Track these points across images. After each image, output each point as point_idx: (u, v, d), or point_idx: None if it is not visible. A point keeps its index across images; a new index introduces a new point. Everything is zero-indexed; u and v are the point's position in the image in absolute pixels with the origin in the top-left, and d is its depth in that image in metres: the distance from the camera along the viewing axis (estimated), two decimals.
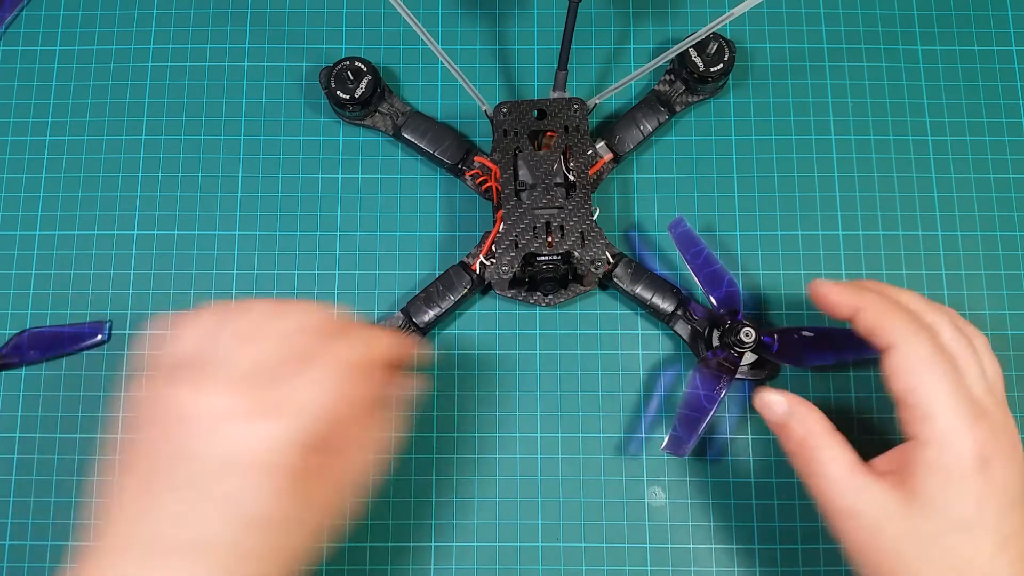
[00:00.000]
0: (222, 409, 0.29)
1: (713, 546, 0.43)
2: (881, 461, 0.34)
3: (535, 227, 0.42)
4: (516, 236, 0.42)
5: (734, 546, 0.43)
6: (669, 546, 0.43)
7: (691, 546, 0.43)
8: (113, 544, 0.30)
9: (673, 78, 0.47)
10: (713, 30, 0.42)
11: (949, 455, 0.32)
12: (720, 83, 0.47)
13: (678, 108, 0.47)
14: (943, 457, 0.32)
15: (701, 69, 0.46)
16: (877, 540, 0.33)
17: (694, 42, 0.43)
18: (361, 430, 0.32)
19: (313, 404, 0.30)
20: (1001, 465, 0.32)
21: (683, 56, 0.46)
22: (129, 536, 0.29)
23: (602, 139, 0.46)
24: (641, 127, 0.46)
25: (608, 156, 0.46)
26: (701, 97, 0.47)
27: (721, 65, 0.46)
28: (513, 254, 0.41)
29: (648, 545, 0.43)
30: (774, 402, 0.36)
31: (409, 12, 0.40)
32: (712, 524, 0.43)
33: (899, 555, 0.33)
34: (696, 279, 0.43)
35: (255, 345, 0.30)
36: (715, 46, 0.45)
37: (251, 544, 0.29)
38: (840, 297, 0.36)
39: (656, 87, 0.47)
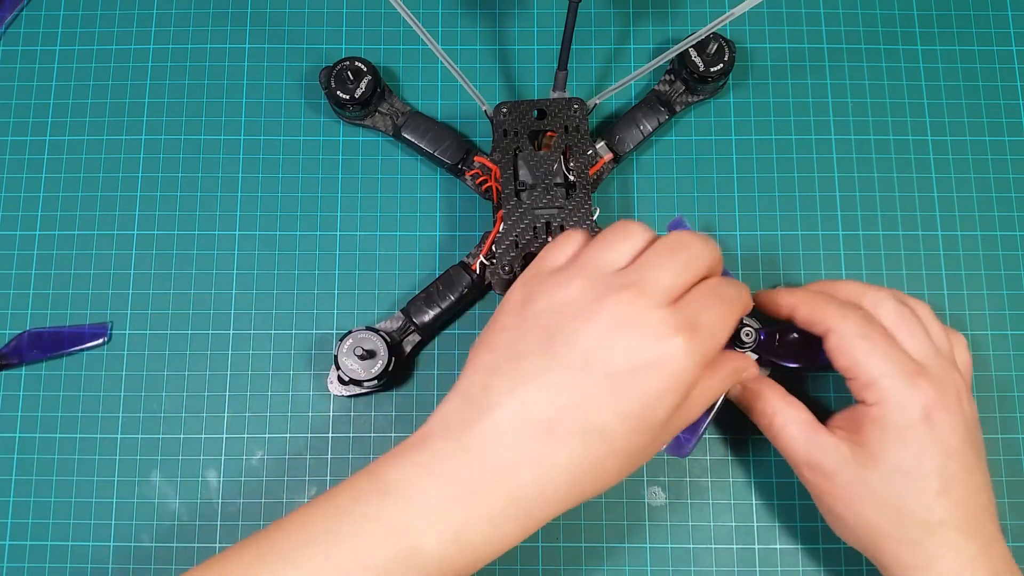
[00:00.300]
0: (654, 319, 0.32)
1: (713, 546, 0.43)
2: (837, 419, 0.39)
3: (535, 227, 0.42)
4: (516, 236, 0.42)
5: (734, 546, 0.43)
6: (669, 546, 0.43)
7: (691, 546, 0.43)
8: (492, 399, 0.32)
9: (673, 78, 0.47)
10: (713, 30, 0.42)
11: (892, 412, 0.36)
12: (720, 83, 0.47)
13: (678, 108, 0.47)
14: (887, 414, 0.36)
15: (701, 69, 0.46)
16: (831, 486, 0.38)
17: (694, 42, 0.43)
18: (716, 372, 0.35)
19: (717, 331, 0.33)
20: (943, 418, 0.36)
21: (683, 56, 0.46)
22: (511, 401, 0.32)
23: (602, 139, 0.46)
24: (641, 127, 0.46)
25: (608, 156, 0.46)
26: (701, 97, 0.47)
27: (721, 65, 0.46)
28: (513, 254, 0.41)
29: (648, 545, 0.43)
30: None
31: (409, 12, 0.40)
32: (712, 524, 0.43)
33: (850, 498, 0.37)
34: None
35: (674, 267, 0.33)
36: (715, 46, 0.45)
37: (628, 443, 0.32)
38: (778, 299, 0.40)
39: (656, 87, 0.47)
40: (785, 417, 0.39)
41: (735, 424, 0.44)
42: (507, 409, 0.32)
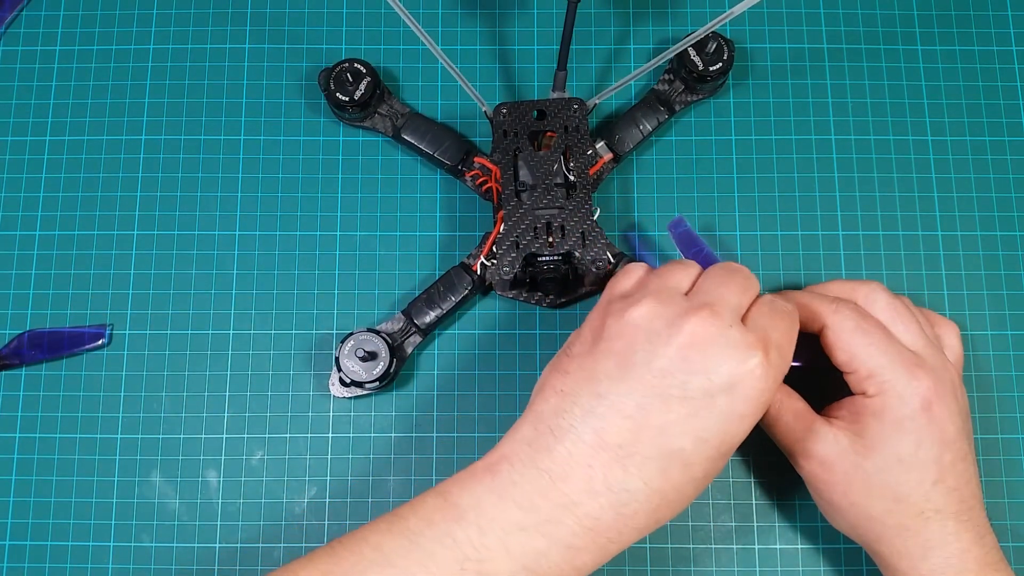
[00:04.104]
0: (733, 337, 0.32)
1: (713, 546, 0.43)
2: (832, 409, 0.39)
3: (536, 227, 0.42)
4: (517, 237, 0.42)
5: (734, 546, 0.43)
6: (669, 546, 0.43)
7: (691, 546, 0.43)
8: (569, 418, 0.32)
9: (672, 77, 0.47)
10: (713, 29, 0.42)
11: (892, 403, 0.36)
12: (719, 82, 0.47)
13: (677, 107, 0.47)
14: (887, 405, 0.36)
15: (700, 68, 0.46)
16: (829, 475, 0.38)
17: (693, 41, 0.43)
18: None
19: (784, 347, 0.34)
20: (940, 408, 0.36)
21: (682, 55, 0.46)
22: (585, 425, 0.32)
23: (602, 139, 0.46)
24: (641, 127, 0.46)
25: (608, 156, 0.46)
26: (700, 96, 0.47)
27: (720, 64, 0.46)
28: (514, 255, 0.41)
29: (648, 545, 0.43)
30: None
31: (408, 13, 0.40)
32: (712, 524, 0.43)
33: (848, 487, 0.37)
34: None
35: (736, 288, 0.34)
36: (714, 45, 0.45)
37: (707, 468, 0.32)
38: None
39: (655, 87, 0.47)
40: (782, 407, 0.39)
41: None
42: (582, 433, 0.31)
